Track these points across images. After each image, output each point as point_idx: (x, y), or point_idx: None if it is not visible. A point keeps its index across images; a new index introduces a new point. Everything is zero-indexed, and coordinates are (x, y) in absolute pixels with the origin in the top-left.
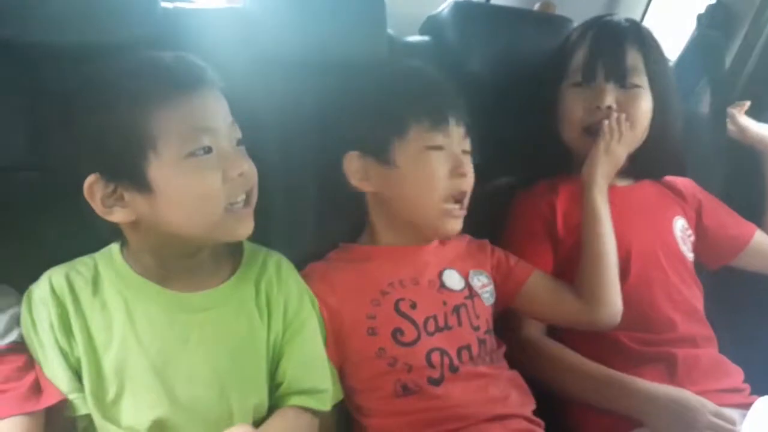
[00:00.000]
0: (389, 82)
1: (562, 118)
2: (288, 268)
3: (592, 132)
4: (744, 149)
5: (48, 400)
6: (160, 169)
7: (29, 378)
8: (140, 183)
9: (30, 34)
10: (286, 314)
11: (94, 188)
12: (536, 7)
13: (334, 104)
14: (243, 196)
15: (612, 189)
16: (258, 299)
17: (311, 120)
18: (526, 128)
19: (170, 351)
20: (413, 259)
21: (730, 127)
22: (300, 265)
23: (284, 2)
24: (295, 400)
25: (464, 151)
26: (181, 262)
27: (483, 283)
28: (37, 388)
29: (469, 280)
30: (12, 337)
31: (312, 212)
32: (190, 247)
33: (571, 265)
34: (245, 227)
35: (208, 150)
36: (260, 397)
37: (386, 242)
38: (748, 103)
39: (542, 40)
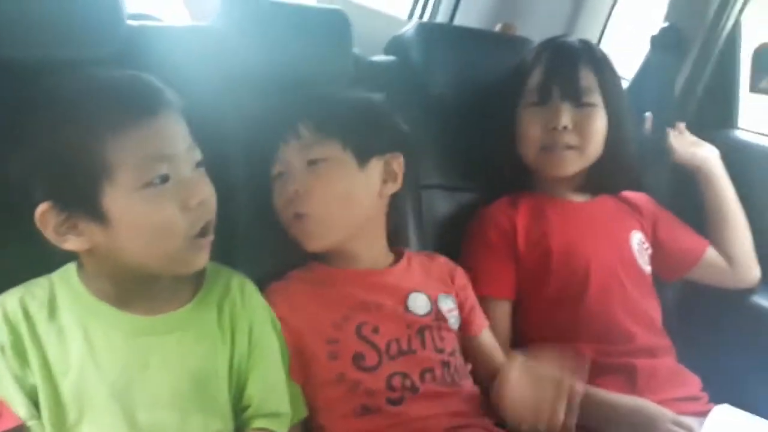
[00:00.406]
0: None
1: (521, 138)
2: (252, 289)
3: (549, 150)
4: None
5: (6, 424)
6: (116, 200)
7: None
8: (95, 213)
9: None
10: (251, 337)
11: (46, 216)
12: (497, 28)
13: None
14: (202, 225)
15: (570, 204)
16: (221, 321)
17: (277, 138)
18: (488, 147)
19: (130, 376)
20: (377, 282)
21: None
22: (264, 285)
23: (251, 20)
24: (260, 423)
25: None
26: (140, 287)
27: (450, 308)
28: None
29: (437, 303)
30: None
31: (277, 231)
32: (147, 275)
33: (534, 280)
34: (202, 258)
35: (165, 179)
36: (223, 421)
37: (339, 265)
38: (682, 125)
39: (503, 60)
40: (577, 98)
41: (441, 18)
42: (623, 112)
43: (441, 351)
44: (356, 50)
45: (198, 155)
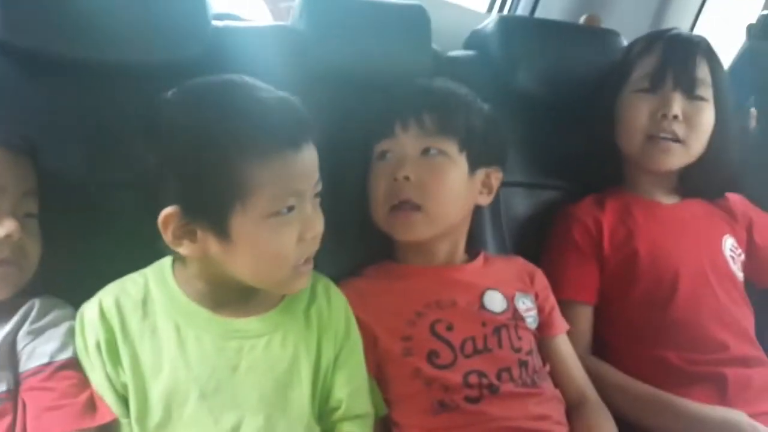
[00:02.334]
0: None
1: (624, 126)
2: (336, 292)
3: (655, 140)
4: None
5: (102, 418)
6: (243, 222)
7: (84, 395)
8: (219, 229)
9: (79, 52)
10: (337, 340)
11: (170, 219)
12: (582, 20)
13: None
14: (309, 255)
15: (658, 206)
16: (307, 326)
17: (356, 137)
18: (576, 141)
19: (219, 378)
20: (452, 279)
21: None
22: (338, 282)
23: (331, 19)
24: (348, 427)
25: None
26: (235, 293)
27: (528, 307)
28: (91, 406)
29: (514, 302)
30: (68, 353)
31: (356, 229)
32: (246, 286)
33: (618, 283)
34: (302, 284)
35: (291, 209)
36: (306, 426)
37: (415, 262)
38: None
39: (591, 53)
40: (690, 89)
41: (521, 11)
42: (730, 111)
43: (518, 350)
44: (435, 46)
45: (319, 187)
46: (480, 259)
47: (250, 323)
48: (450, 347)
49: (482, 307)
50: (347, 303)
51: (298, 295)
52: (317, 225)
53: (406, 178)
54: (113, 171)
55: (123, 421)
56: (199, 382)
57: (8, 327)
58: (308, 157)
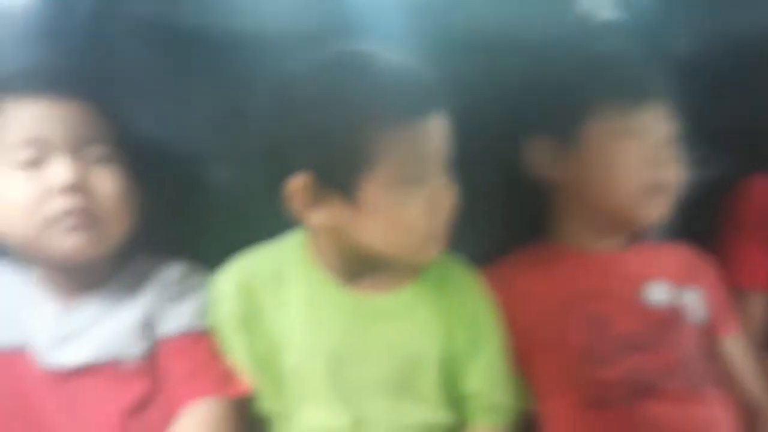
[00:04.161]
0: (583, 61)
1: None
2: (471, 276)
3: None
4: None
5: (238, 389)
6: (372, 190)
7: (221, 365)
8: (348, 197)
9: (203, 20)
10: (472, 326)
11: (299, 187)
12: None
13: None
14: (442, 227)
15: None
16: (438, 308)
17: (492, 106)
18: (746, 113)
19: (348, 354)
20: (611, 268)
21: None
22: (479, 266)
23: None
24: (483, 417)
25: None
26: (368, 267)
27: (693, 302)
28: (227, 376)
29: (678, 296)
30: (205, 321)
31: (492, 208)
32: (378, 258)
33: None
34: (434, 254)
35: (421, 179)
36: (433, 412)
37: (577, 243)
38: None
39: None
40: None
41: None
42: None
43: (682, 349)
44: (580, 9)
45: (447, 155)
46: (641, 246)
47: (380, 301)
48: (607, 340)
49: (644, 299)
50: (485, 288)
51: (429, 274)
52: (448, 195)
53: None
54: (246, 143)
55: (255, 392)
56: (329, 358)
57: (149, 290)
58: (437, 127)
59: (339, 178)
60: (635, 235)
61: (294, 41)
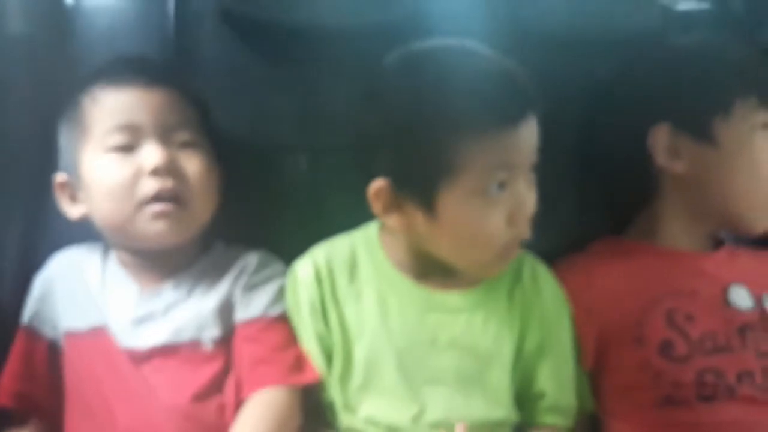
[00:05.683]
0: (711, 53)
1: None
2: (545, 274)
3: None
4: None
5: (309, 376)
6: (450, 199)
7: (293, 351)
8: (427, 206)
9: (295, 17)
10: (543, 325)
11: (381, 191)
12: None
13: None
14: (519, 240)
15: None
16: (510, 306)
17: (572, 98)
18: None
19: (418, 349)
20: (694, 267)
21: None
22: (555, 258)
23: None
24: (550, 419)
25: None
26: (439, 267)
27: None
28: (299, 363)
29: (762, 302)
30: (280, 308)
31: (571, 200)
32: (451, 265)
33: None
34: (504, 266)
35: (502, 186)
36: (504, 410)
37: (669, 239)
38: None
39: None
40: None
41: None
42: None
43: (764, 355)
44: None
45: (534, 159)
46: (724, 249)
47: (452, 297)
48: (687, 340)
49: (726, 301)
50: (557, 286)
51: (504, 274)
52: (529, 204)
53: None
54: (324, 135)
55: (327, 381)
56: (399, 351)
57: (228, 277)
58: (528, 133)
59: (417, 186)
60: (719, 237)
61: (375, 35)
